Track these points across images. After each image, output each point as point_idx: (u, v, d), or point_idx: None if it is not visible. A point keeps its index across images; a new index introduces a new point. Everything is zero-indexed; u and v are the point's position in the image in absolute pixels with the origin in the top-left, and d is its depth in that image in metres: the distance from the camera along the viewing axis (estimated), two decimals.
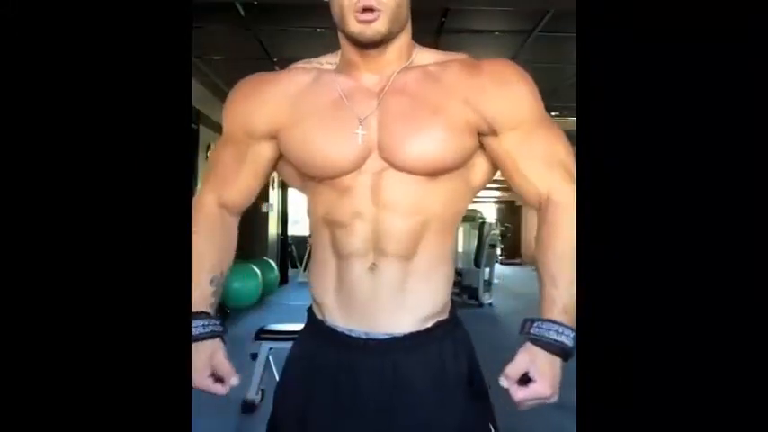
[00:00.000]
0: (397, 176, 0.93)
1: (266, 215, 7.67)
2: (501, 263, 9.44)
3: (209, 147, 5.67)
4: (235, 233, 1.09)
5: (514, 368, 0.88)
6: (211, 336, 0.96)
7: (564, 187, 0.94)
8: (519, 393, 0.88)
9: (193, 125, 5.34)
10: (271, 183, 6.83)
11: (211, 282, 1.01)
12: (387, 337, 0.94)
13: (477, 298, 7.20)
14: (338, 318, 0.97)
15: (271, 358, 3.18)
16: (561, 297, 0.89)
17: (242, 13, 3.45)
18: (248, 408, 3.08)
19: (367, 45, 0.92)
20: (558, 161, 0.95)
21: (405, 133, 0.92)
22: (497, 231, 8.07)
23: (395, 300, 0.94)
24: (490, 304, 7.25)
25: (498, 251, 8.44)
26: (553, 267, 0.91)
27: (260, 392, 3.14)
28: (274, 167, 1.07)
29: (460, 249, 7.57)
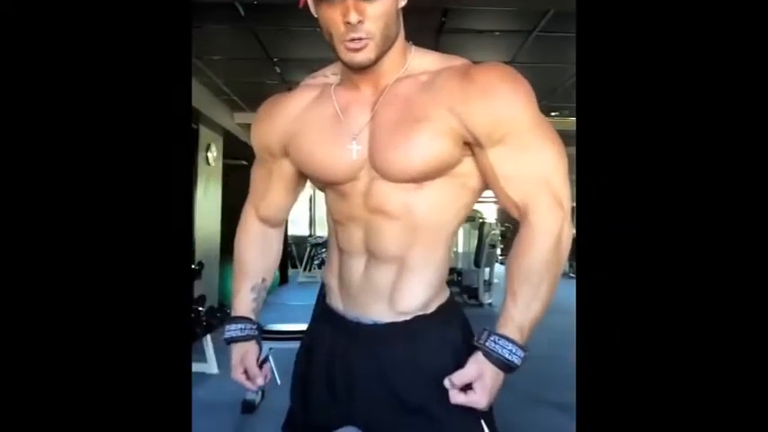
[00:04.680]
0: (385, 184, 0.97)
1: None
2: (501, 263, 9.43)
3: (208, 147, 5.67)
4: (276, 243, 1.21)
5: (461, 377, 0.91)
6: (246, 339, 1.11)
7: (542, 208, 0.93)
8: (456, 398, 0.91)
9: (193, 125, 5.34)
10: None
11: (252, 289, 1.14)
12: (372, 323, 1.01)
13: (477, 298, 7.20)
14: (338, 301, 1.06)
15: (271, 358, 3.18)
16: (519, 315, 0.92)
17: (242, 13, 3.44)
18: (248, 408, 3.08)
19: (359, 68, 0.96)
20: (542, 180, 0.93)
21: (390, 144, 0.95)
22: (497, 231, 8.06)
23: (379, 293, 1.00)
24: (490, 304, 7.24)
25: (498, 251, 8.43)
26: (516, 285, 0.93)
27: (260, 392, 3.14)
28: (301, 179, 1.14)
29: (460, 249, 7.57)
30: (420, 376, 0.97)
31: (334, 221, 1.06)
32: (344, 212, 1.02)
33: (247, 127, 6.18)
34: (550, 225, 0.92)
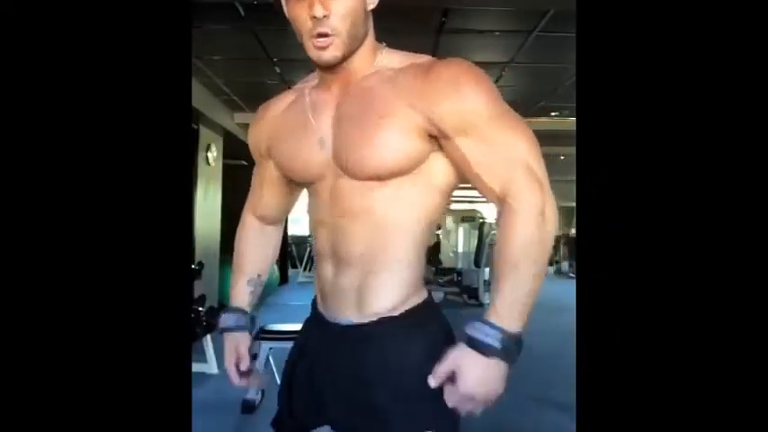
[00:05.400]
0: (348, 182, 0.98)
1: None
2: None
3: (208, 147, 5.67)
4: (273, 240, 1.27)
5: (441, 366, 0.90)
6: (240, 329, 1.16)
7: (519, 189, 0.90)
8: (449, 398, 0.91)
9: (193, 125, 5.34)
10: None
11: (248, 282, 1.20)
12: (345, 324, 1.02)
13: (477, 298, 7.20)
14: (321, 303, 1.09)
15: (271, 358, 3.18)
16: (500, 300, 0.89)
17: (242, 13, 3.44)
18: (248, 408, 3.08)
19: (327, 66, 0.98)
20: (517, 161, 0.91)
21: (352, 140, 0.96)
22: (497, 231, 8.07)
23: (347, 296, 1.01)
24: None
25: None
26: (498, 271, 0.91)
27: (260, 392, 3.14)
28: (292, 180, 1.16)
29: (460, 249, 7.58)
30: (381, 377, 0.97)
31: (312, 227, 1.09)
32: (316, 215, 1.05)
33: (247, 127, 6.20)
34: (530, 205, 0.90)
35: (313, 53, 0.95)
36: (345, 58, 0.96)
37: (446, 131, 0.92)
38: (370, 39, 1.00)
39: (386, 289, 0.99)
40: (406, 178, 0.96)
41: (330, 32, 0.92)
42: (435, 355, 0.92)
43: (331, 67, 0.98)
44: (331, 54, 0.94)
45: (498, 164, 0.91)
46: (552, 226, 0.90)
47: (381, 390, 0.96)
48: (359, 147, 0.95)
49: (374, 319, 0.99)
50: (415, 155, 0.94)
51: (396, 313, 0.99)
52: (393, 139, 0.93)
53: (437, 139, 0.94)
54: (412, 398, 0.94)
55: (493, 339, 0.87)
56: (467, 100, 0.91)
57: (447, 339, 0.99)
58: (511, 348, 0.88)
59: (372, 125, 0.94)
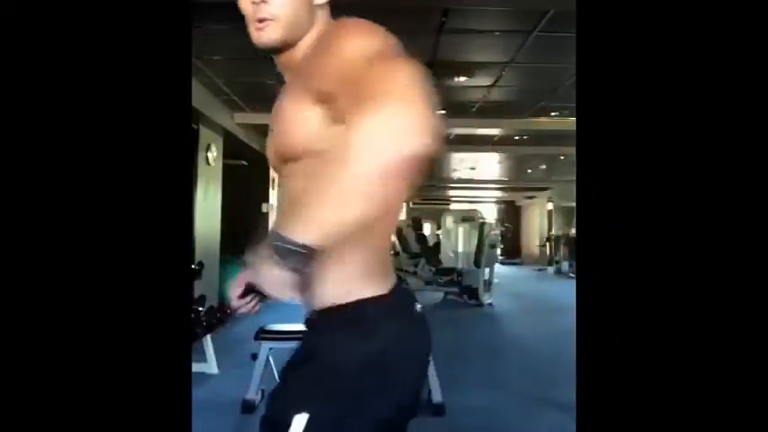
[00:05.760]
0: (280, 170, 1.01)
1: (266, 215, 7.68)
2: (501, 263, 9.42)
3: (208, 147, 5.66)
4: None
5: None
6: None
7: (369, 109, 0.77)
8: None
9: (193, 125, 5.34)
10: (271, 183, 6.86)
11: None
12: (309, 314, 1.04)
13: (477, 298, 7.21)
14: None
15: (271, 358, 3.18)
16: (305, 212, 0.81)
17: (242, 12, 3.45)
18: (248, 408, 3.08)
19: (271, 50, 1.00)
20: (384, 93, 0.78)
21: (276, 127, 0.99)
22: (497, 231, 8.08)
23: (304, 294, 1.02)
24: (490, 304, 7.26)
25: (498, 251, 8.44)
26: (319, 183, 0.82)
27: (260, 392, 3.14)
28: None
29: (460, 249, 7.58)
30: (294, 369, 0.98)
31: None
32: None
33: (247, 127, 6.20)
34: (377, 117, 0.77)
35: (254, 35, 0.98)
36: (288, 44, 0.99)
37: (331, 93, 0.87)
38: (319, 25, 1.01)
39: (325, 287, 0.95)
40: (320, 163, 0.88)
41: (267, 17, 0.96)
42: (343, 351, 0.91)
43: (277, 54, 1.01)
44: (267, 36, 0.97)
45: (368, 102, 0.79)
46: (395, 144, 0.76)
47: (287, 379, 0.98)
48: (277, 132, 0.98)
49: (315, 316, 0.99)
50: (317, 128, 0.91)
51: (334, 307, 0.95)
52: (294, 116, 0.94)
53: (332, 106, 0.88)
54: (291, 380, 0.95)
55: (274, 240, 0.82)
56: (343, 61, 0.86)
57: (365, 339, 0.93)
58: (278, 249, 0.80)
59: (283, 108, 0.96)
